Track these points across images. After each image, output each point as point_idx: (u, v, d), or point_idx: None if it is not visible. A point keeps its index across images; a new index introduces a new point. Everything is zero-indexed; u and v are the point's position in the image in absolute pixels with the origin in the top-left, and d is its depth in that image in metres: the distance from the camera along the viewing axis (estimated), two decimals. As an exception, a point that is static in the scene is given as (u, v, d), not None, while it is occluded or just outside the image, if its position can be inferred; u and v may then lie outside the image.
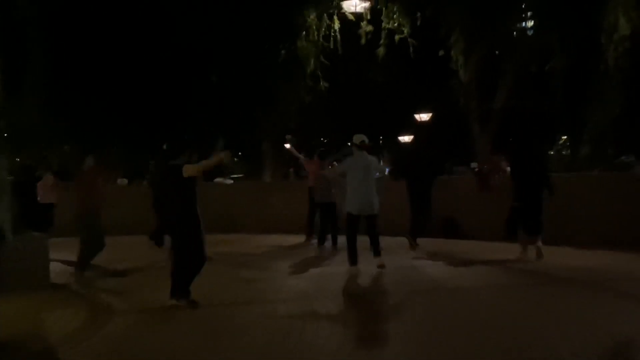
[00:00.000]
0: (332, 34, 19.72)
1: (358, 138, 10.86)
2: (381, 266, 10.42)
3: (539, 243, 10.88)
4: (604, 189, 12.28)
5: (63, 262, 11.27)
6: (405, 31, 18.88)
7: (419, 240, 12.68)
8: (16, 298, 8.75)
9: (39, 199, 14.20)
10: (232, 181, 17.20)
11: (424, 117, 33.52)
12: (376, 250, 10.65)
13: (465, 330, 6.69)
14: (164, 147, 9.65)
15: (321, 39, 19.85)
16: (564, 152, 27.86)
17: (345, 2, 19.06)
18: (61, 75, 20.70)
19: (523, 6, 19.88)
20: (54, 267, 10.41)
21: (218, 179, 15.77)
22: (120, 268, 11.19)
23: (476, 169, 14.27)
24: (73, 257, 10.78)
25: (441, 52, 19.18)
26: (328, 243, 13.46)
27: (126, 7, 20.36)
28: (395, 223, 13.29)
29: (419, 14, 18.76)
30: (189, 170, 7.93)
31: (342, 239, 13.59)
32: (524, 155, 11.15)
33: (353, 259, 10.64)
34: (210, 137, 14.65)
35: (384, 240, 11.04)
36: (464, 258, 11.29)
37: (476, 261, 11.00)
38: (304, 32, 19.79)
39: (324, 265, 11.40)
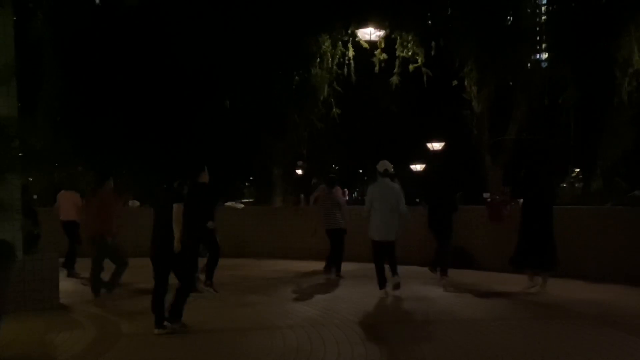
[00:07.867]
0: (346, 61, 19.82)
1: (382, 165, 10.84)
2: (397, 286, 10.44)
3: (547, 275, 10.85)
4: (616, 222, 12.20)
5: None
6: (419, 60, 18.96)
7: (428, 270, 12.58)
8: (25, 318, 8.76)
9: (60, 217, 13.61)
10: (242, 205, 17.17)
11: (436, 146, 33.64)
12: (394, 270, 10.60)
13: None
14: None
15: (335, 67, 19.96)
16: (576, 185, 27.78)
17: (359, 30, 19.17)
18: (75, 96, 20.90)
19: (537, 38, 19.94)
20: (64, 287, 10.42)
21: (229, 203, 15.75)
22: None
23: (488, 199, 14.19)
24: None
25: (454, 82, 19.25)
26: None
27: (141, 31, 20.58)
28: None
29: (433, 44, 18.86)
30: (178, 209, 7.91)
31: (351, 266, 13.64)
32: (531, 187, 11.04)
33: (381, 283, 10.64)
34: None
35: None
36: (475, 289, 11.20)
37: (486, 292, 10.92)
38: (318, 59, 19.90)
39: (332, 291, 11.35)
